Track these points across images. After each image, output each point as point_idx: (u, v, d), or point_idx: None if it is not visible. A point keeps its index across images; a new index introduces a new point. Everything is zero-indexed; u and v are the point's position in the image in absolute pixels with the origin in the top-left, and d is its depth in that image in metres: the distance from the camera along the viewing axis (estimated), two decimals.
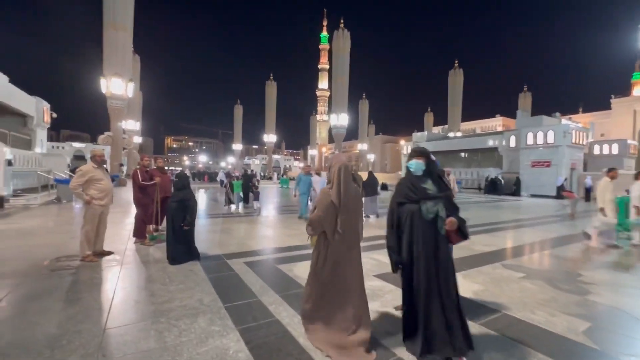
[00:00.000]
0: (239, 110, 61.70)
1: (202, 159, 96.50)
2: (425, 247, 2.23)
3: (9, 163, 10.24)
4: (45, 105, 18.76)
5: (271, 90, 53.12)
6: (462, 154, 31.82)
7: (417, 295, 2.24)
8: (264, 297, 3.28)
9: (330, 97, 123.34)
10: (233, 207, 11.10)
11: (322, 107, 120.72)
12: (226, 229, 7.10)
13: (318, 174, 9.42)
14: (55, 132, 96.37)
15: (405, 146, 36.16)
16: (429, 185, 2.30)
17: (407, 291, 2.33)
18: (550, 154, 21.32)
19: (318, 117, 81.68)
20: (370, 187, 9.58)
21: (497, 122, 71.73)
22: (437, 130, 53.41)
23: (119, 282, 3.61)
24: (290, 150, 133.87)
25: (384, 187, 22.94)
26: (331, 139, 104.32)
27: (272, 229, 7.43)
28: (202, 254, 4.86)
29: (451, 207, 2.28)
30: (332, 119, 35.49)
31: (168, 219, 4.61)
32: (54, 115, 20.16)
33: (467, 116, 63.38)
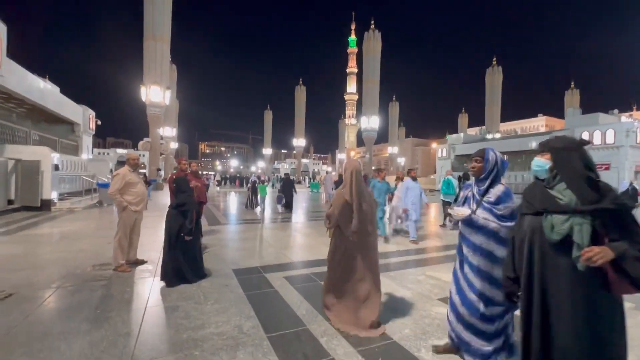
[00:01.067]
0: (268, 116, 62.64)
1: (234, 163, 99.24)
2: (555, 287, 1.46)
3: (56, 168, 10.67)
4: (91, 113, 19.85)
5: (300, 95, 53.37)
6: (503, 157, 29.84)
7: None
8: (313, 324, 2.75)
9: (358, 101, 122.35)
10: (258, 209, 11.15)
11: (350, 110, 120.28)
12: (260, 237, 6.71)
13: (414, 178, 7.10)
14: (102, 140, 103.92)
15: (440, 149, 34.48)
16: (562, 192, 1.51)
17: (525, 346, 1.59)
18: (610, 156, 19.15)
19: (346, 121, 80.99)
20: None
21: (539, 122, 67.05)
22: (473, 131, 50.74)
23: (151, 299, 3.26)
24: (319, 155, 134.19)
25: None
26: (359, 143, 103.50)
27: (308, 237, 6.93)
28: (236, 265, 4.47)
29: (618, 228, 1.36)
30: (363, 121, 34.73)
31: (165, 230, 3.82)
32: (99, 122, 21.32)
33: (506, 116, 59.81)
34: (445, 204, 8.79)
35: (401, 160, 70.06)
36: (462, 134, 36.13)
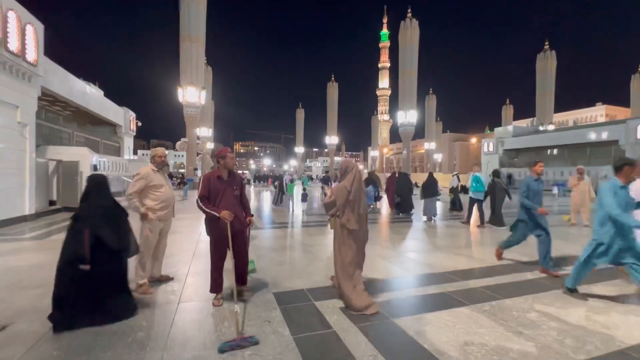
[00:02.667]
0: (300, 114, 62.37)
1: (267, 162, 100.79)
2: None
3: (94, 168, 10.64)
4: (132, 115, 20.36)
5: (332, 91, 52.37)
6: (553, 151, 26.61)
7: None
8: None
9: (391, 96, 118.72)
10: (295, 208, 11.25)
11: (382, 106, 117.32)
12: (301, 245, 5.83)
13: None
14: (146, 142, 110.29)
15: (486, 143, 31.78)
16: None
17: None
18: None
19: (379, 117, 78.75)
20: (430, 188, 9.21)
21: (598, 112, 60.32)
22: (522, 123, 46.63)
23: (170, 339, 2.46)
24: (351, 152, 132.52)
25: (464, 189, 20.00)
26: (392, 139, 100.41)
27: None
28: (277, 287, 3.58)
29: None
30: (399, 116, 32.93)
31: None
32: (139, 124, 21.89)
33: (558, 107, 54.45)
34: (475, 202, 8.16)
35: (438, 157, 66.68)
36: (510, 127, 32.99)
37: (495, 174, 8.16)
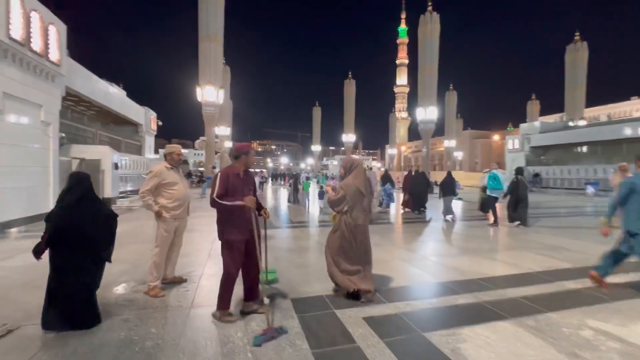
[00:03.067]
0: (317, 112, 62.15)
1: (284, 161, 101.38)
2: None
3: (115, 167, 10.81)
4: (153, 114, 20.79)
5: (350, 88, 51.81)
6: (582, 148, 25.04)
7: None
8: None
9: (409, 93, 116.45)
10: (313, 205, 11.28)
11: (400, 104, 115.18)
12: (322, 246, 5.57)
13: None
14: (168, 141, 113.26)
15: (510, 140, 30.41)
16: None
17: None
18: None
19: (397, 114, 77.37)
20: (448, 187, 9.04)
21: (633, 106, 56.66)
22: (550, 119, 44.48)
23: (180, 350, 2.26)
24: (368, 150, 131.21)
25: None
26: (411, 137, 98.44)
27: (377, 247, 5.62)
28: (295, 292, 3.34)
29: None
30: (418, 113, 32.04)
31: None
32: (160, 123, 22.34)
33: (588, 101, 51.51)
34: (492, 200, 7.98)
35: (458, 155, 64.79)
36: (536, 123, 31.35)
37: (519, 171, 7.94)
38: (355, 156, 3.77)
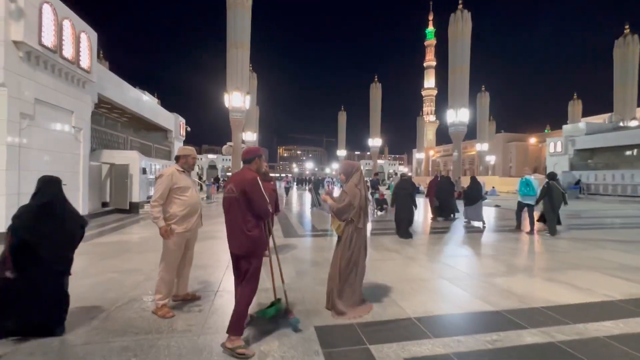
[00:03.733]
0: (342, 117, 61.75)
1: (309, 166, 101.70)
2: None
3: (143, 171, 10.93)
4: (182, 120, 21.32)
5: (376, 92, 50.99)
6: (633, 151, 22.51)
7: None
8: None
9: (437, 96, 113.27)
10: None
11: (428, 107, 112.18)
12: None
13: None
14: (198, 147, 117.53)
15: (552, 143, 28.22)
16: None
17: None
18: None
19: (425, 118, 75.21)
20: (474, 192, 8.71)
21: None
22: (595, 120, 41.05)
23: None
24: (394, 155, 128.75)
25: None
26: (439, 141, 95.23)
27: (419, 263, 4.99)
28: (321, 318, 2.84)
29: None
30: (449, 115, 30.64)
31: None
32: (188, 129, 22.89)
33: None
34: (524, 207, 7.79)
35: (490, 159, 61.60)
36: (581, 124, 28.88)
37: (551, 176, 7.70)
38: (352, 161, 3.84)
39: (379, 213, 10.95)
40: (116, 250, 5.33)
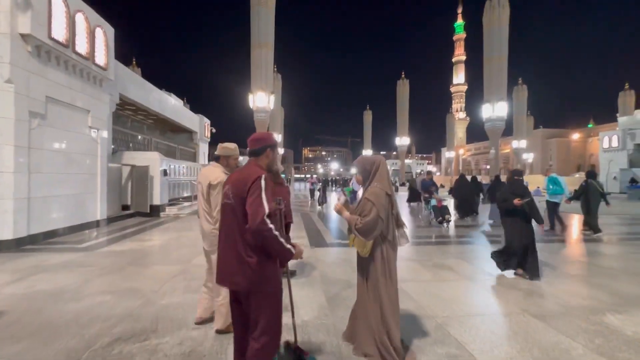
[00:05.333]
0: (368, 116, 60.40)
1: (334, 166, 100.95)
2: None
3: (164, 173, 10.53)
4: (206, 122, 21.18)
5: (403, 89, 49.22)
6: None
7: None
8: None
9: (467, 92, 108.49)
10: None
11: (457, 104, 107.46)
12: None
13: None
14: None
15: (606, 137, 25.36)
16: None
17: None
18: None
19: (455, 115, 71.93)
20: (494, 192, 7.94)
21: None
22: None
23: None
24: (421, 154, 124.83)
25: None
26: (469, 139, 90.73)
27: (487, 288, 3.92)
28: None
29: None
30: (485, 110, 28.50)
31: None
32: (213, 130, 22.75)
33: None
34: (552, 206, 7.58)
35: (528, 157, 57.52)
36: None
37: (590, 175, 7.42)
38: (370, 155, 2.93)
39: (444, 226, 8.05)
40: (121, 262, 4.70)
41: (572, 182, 26.18)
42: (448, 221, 8.09)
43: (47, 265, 4.53)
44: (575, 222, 8.97)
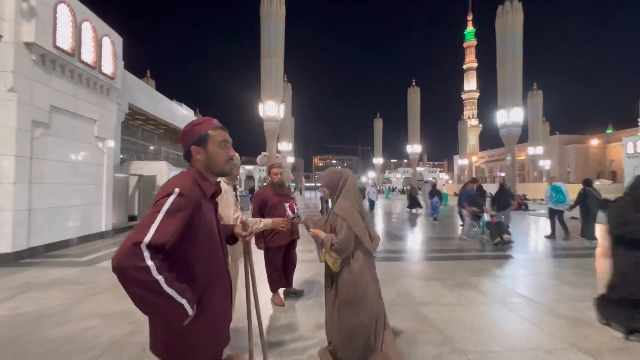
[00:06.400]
0: (378, 124, 60.04)
1: None
2: None
3: None
4: None
5: (414, 97, 48.78)
6: None
7: None
8: None
9: (479, 99, 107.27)
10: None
11: (469, 111, 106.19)
12: (409, 303, 3.62)
13: None
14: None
15: (630, 143, 24.25)
16: None
17: None
18: None
19: (467, 122, 70.92)
20: (502, 200, 8.59)
21: None
22: None
23: None
24: (433, 162, 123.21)
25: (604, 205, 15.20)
26: (482, 147, 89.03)
27: (524, 315, 3.45)
28: None
29: None
30: (499, 116, 27.79)
31: None
32: None
33: None
34: (555, 213, 7.86)
35: (545, 164, 55.85)
36: None
37: (587, 182, 7.65)
38: (337, 168, 2.65)
39: (502, 247, 6.47)
40: (117, 279, 4.41)
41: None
42: (509, 243, 6.57)
43: (40, 283, 4.27)
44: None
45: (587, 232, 7.39)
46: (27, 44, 5.58)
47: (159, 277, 0.95)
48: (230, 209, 2.24)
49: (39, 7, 5.65)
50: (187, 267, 1.11)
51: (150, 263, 0.94)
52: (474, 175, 68.01)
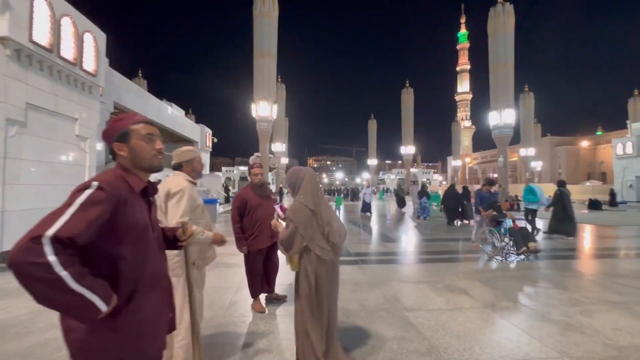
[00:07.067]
0: (373, 125, 60.18)
1: (339, 176, 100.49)
2: None
3: (158, 183, 10.11)
4: (208, 131, 20.97)
5: (408, 98, 48.96)
6: None
7: None
8: None
9: (472, 101, 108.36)
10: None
11: (462, 112, 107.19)
12: (407, 309, 3.48)
13: None
14: (231, 159, 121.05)
15: (620, 144, 24.55)
16: None
17: None
18: None
19: (460, 123, 71.53)
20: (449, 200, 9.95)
21: None
22: None
23: None
24: (427, 163, 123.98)
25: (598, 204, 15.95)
26: (475, 148, 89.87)
27: (515, 322, 3.32)
28: None
29: None
30: (492, 118, 27.98)
31: None
32: (215, 140, 22.52)
33: None
34: (529, 212, 8.25)
35: (537, 165, 56.47)
36: None
37: (561, 184, 8.31)
38: (298, 167, 2.33)
39: (531, 256, 5.64)
40: None
41: (583, 190, 25.19)
42: (536, 252, 5.51)
43: (10, 289, 4.04)
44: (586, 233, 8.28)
45: (567, 230, 7.84)
46: (1, 39, 5.33)
47: (64, 274, 0.86)
48: (180, 210, 2.02)
49: (14, 0, 5.41)
50: (109, 266, 1.03)
51: (52, 258, 0.85)
52: (466, 177, 68.13)
